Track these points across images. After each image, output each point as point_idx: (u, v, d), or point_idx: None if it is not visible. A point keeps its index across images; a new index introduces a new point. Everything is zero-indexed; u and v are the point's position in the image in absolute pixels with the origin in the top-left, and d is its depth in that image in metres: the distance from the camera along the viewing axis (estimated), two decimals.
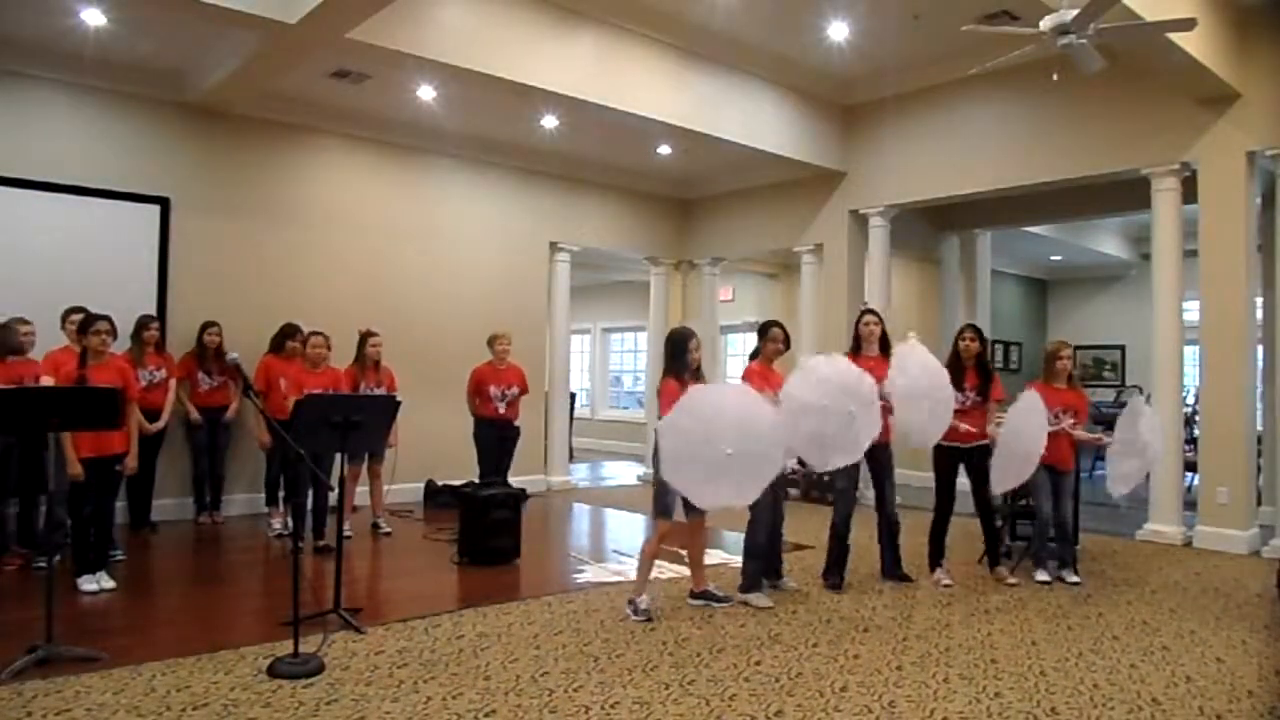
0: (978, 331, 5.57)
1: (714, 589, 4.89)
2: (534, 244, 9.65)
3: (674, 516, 4.66)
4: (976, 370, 5.50)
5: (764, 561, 5.07)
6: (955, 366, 5.43)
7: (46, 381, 5.01)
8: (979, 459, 5.43)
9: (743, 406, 4.31)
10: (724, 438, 4.15)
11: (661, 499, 4.63)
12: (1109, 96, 7.08)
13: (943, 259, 10.37)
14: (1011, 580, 5.45)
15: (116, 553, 5.50)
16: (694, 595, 4.87)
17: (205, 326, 7.00)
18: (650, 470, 5.08)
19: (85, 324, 4.90)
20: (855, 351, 5.31)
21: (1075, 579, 5.46)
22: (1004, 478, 5.31)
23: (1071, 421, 5.52)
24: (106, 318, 4.97)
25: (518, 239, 9.48)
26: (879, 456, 5.28)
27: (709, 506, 4.50)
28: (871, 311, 5.44)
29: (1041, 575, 5.49)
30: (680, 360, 4.66)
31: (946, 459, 5.53)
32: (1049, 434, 5.31)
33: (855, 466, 5.12)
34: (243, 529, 6.94)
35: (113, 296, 6.11)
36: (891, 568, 5.49)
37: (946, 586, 5.34)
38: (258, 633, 4.19)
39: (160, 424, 6.26)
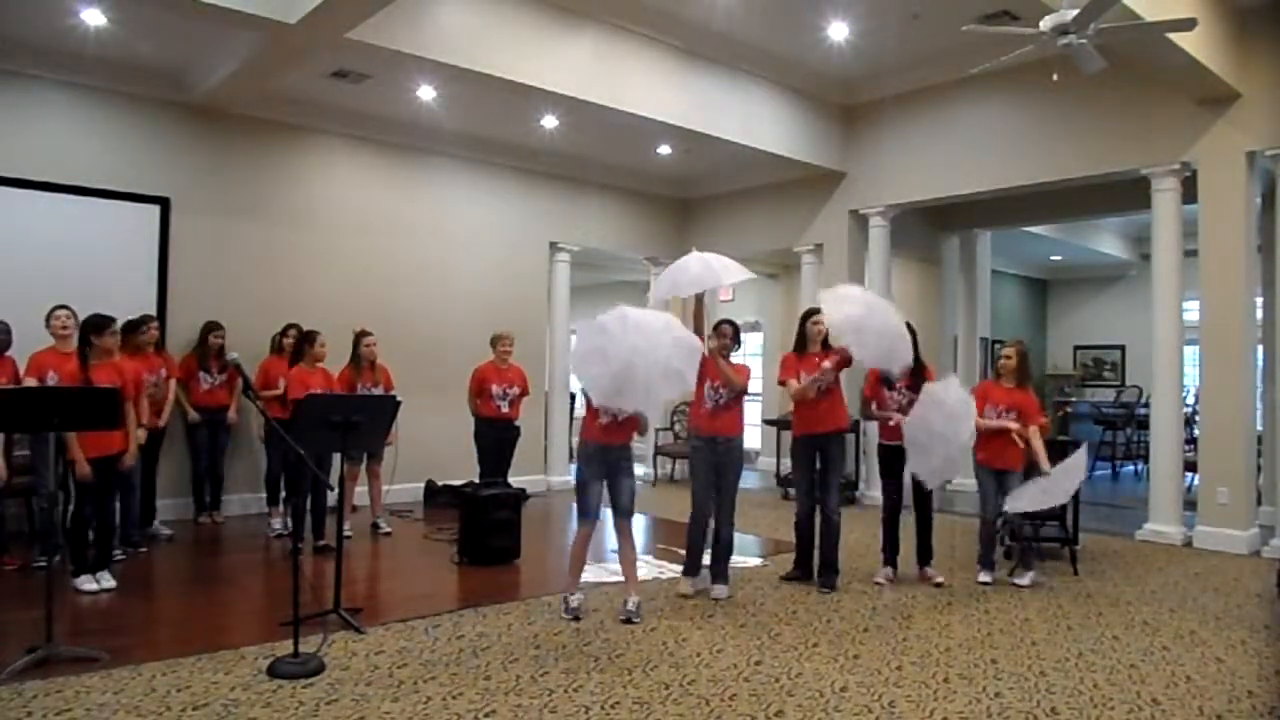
0: (912, 331, 5.48)
1: (632, 608, 4.55)
2: (534, 244, 9.64)
3: (593, 518, 4.66)
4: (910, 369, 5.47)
5: (700, 553, 5.12)
6: (801, 348, 5.43)
7: (29, 382, 5.01)
8: (835, 446, 5.40)
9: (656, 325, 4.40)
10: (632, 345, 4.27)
11: (578, 498, 4.67)
12: (1109, 96, 7.08)
13: (943, 259, 10.36)
14: (938, 580, 5.42)
15: (118, 552, 5.51)
16: (621, 608, 4.60)
17: (210, 328, 6.98)
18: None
19: (99, 325, 4.88)
20: (800, 351, 5.37)
21: (1023, 582, 5.42)
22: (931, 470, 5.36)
23: (1013, 417, 5.45)
24: (112, 319, 4.99)
25: (518, 239, 9.48)
26: (827, 449, 5.27)
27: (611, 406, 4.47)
28: (818, 311, 5.37)
29: (984, 577, 5.46)
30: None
31: (888, 457, 5.60)
32: (991, 435, 5.41)
33: (810, 463, 5.30)
34: (243, 529, 6.93)
35: (113, 296, 6.11)
36: (822, 571, 5.32)
37: (878, 585, 5.38)
38: (258, 633, 4.18)
39: (161, 423, 6.26)
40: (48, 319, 5.39)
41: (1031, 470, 5.45)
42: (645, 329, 4.35)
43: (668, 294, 5.29)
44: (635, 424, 4.69)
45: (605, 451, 4.66)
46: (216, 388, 7.02)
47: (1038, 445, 5.44)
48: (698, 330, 5.09)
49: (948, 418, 5.17)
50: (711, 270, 5.04)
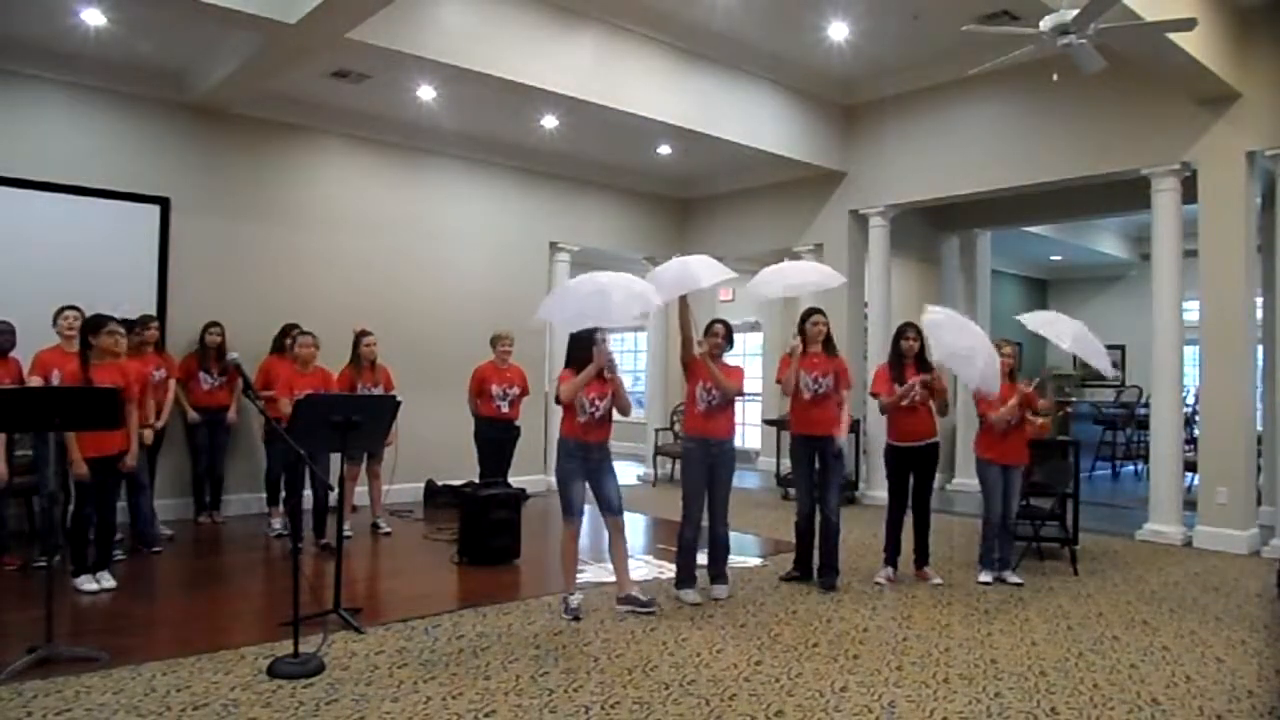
0: (919, 331, 5.60)
1: (638, 594, 4.77)
2: (534, 244, 9.64)
3: (578, 515, 4.71)
4: (917, 367, 5.56)
5: (691, 557, 5.08)
6: (896, 364, 5.58)
7: (34, 380, 5.03)
8: (930, 457, 5.57)
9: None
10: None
11: (562, 496, 4.70)
12: (1109, 96, 7.08)
13: (943, 259, 10.36)
14: (936, 580, 5.47)
15: (118, 552, 5.51)
16: (619, 600, 4.77)
17: (207, 327, 6.99)
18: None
19: (96, 324, 4.88)
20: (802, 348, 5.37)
21: (1016, 580, 5.47)
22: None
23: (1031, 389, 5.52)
24: (118, 319, 5.00)
25: (518, 239, 9.48)
26: (824, 449, 5.28)
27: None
28: (819, 311, 5.47)
29: (985, 575, 5.49)
30: None
31: (898, 459, 5.60)
32: (1002, 432, 5.44)
33: (809, 463, 5.33)
34: (243, 529, 6.93)
35: (113, 296, 6.11)
36: (822, 572, 5.36)
37: (878, 585, 5.39)
38: (258, 633, 4.19)
39: (160, 423, 6.26)
40: (55, 319, 5.47)
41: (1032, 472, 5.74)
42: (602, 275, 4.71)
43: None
44: (611, 422, 4.76)
45: (585, 449, 4.68)
46: (216, 388, 7.02)
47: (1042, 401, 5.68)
48: (685, 336, 5.10)
49: (958, 327, 5.24)
50: (690, 271, 5.07)
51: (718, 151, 8.70)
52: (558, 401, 4.74)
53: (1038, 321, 5.68)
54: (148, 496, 6.10)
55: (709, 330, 5.13)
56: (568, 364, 4.76)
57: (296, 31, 5.61)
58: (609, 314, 4.51)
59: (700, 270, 5.06)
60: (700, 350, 5.07)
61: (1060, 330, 5.47)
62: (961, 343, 5.15)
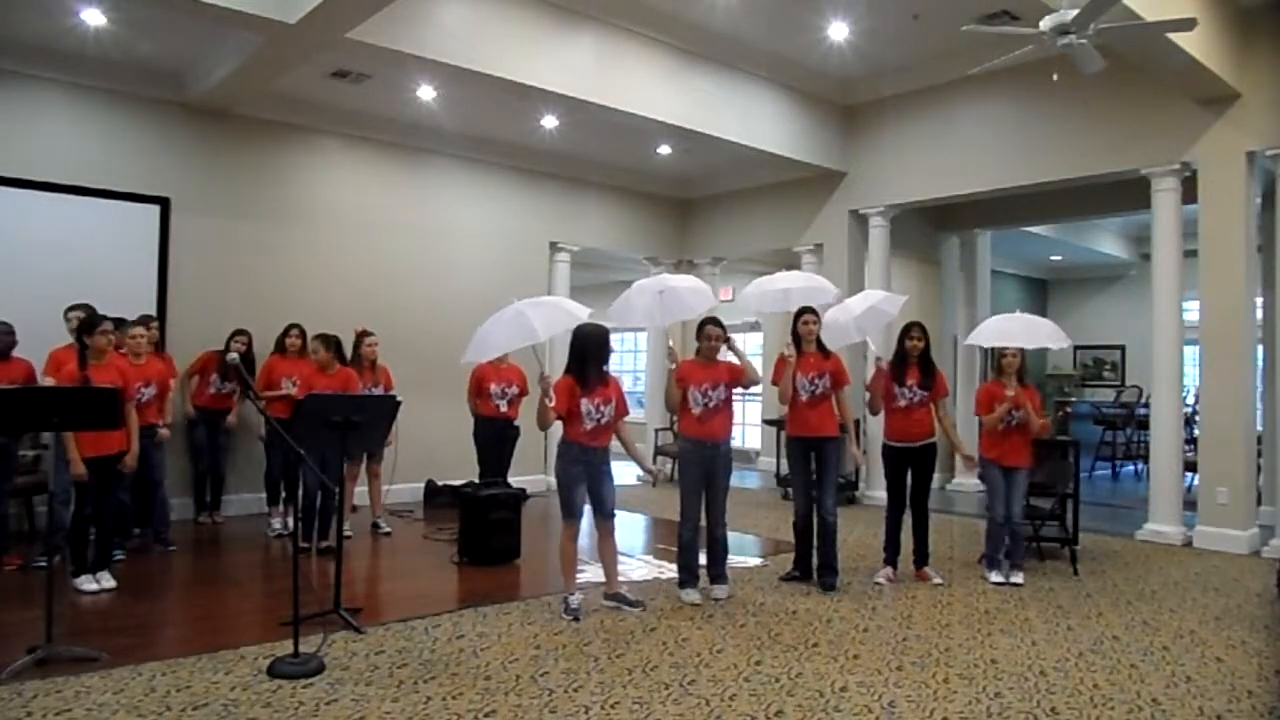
0: (923, 330, 5.63)
1: (626, 593, 4.85)
2: (534, 244, 9.65)
3: (579, 517, 4.74)
4: (920, 367, 5.54)
5: (691, 556, 5.07)
6: (900, 363, 5.57)
7: (48, 379, 5.04)
8: (927, 457, 5.57)
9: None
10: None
11: (564, 500, 4.73)
12: (1109, 96, 7.08)
13: (943, 259, 10.37)
14: (937, 580, 5.47)
15: (118, 553, 5.51)
16: (606, 597, 4.84)
17: (235, 334, 6.83)
18: (646, 473, 5.12)
19: (90, 325, 4.88)
20: (795, 349, 5.37)
21: (1018, 580, 5.46)
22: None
23: (1023, 416, 5.51)
24: (114, 320, 5.00)
25: (518, 239, 9.48)
26: (821, 451, 5.29)
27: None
28: (810, 310, 5.45)
29: (996, 576, 5.49)
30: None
31: (895, 459, 5.60)
32: (1003, 433, 5.49)
33: (805, 464, 5.34)
34: (243, 529, 6.93)
35: (113, 296, 6.10)
36: (821, 572, 5.34)
37: (878, 585, 5.37)
38: (258, 633, 4.19)
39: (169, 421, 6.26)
40: (65, 316, 5.49)
41: (1032, 472, 5.70)
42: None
43: (622, 320, 5.42)
44: (614, 427, 4.81)
45: (590, 455, 4.72)
46: (224, 394, 7.01)
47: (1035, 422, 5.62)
48: (670, 398, 5.15)
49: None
50: (685, 303, 5.22)
51: (718, 151, 8.71)
52: (541, 428, 4.83)
53: (981, 337, 5.85)
54: (162, 495, 6.09)
55: (701, 332, 5.11)
56: (567, 372, 4.79)
57: (296, 31, 5.61)
58: (535, 333, 4.73)
59: (694, 301, 5.25)
60: (676, 364, 5.10)
61: (993, 333, 5.72)
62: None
